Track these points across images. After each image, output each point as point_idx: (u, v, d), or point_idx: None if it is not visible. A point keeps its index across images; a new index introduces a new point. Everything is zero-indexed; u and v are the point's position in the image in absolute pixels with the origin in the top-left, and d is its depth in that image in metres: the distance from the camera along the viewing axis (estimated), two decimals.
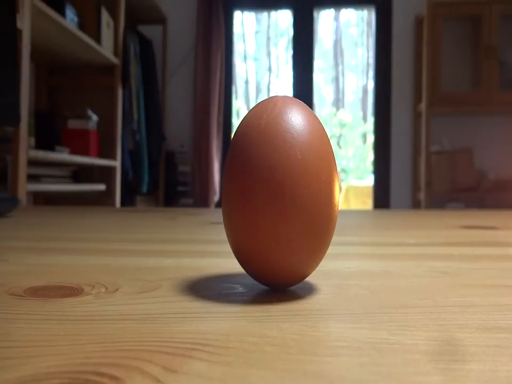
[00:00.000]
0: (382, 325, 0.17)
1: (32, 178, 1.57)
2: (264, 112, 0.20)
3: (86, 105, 2.09)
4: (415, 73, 2.60)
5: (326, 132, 0.21)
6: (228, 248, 0.35)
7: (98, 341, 0.15)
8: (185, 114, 2.69)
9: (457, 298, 0.20)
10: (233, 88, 2.85)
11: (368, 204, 4.93)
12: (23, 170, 1.29)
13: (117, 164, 2.07)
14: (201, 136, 2.56)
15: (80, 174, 1.98)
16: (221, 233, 0.44)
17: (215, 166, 2.58)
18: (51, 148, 1.60)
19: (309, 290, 0.22)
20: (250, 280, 0.24)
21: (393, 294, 0.21)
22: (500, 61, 2.39)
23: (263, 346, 0.14)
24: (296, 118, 0.20)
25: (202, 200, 2.55)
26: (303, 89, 2.72)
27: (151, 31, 2.59)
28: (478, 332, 0.16)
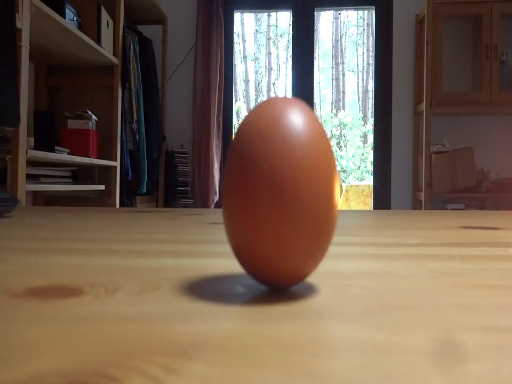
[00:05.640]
0: (382, 325, 0.16)
1: (31, 178, 1.57)
2: (265, 112, 0.20)
3: (86, 105, 2.09)
4: (415, 73, 2.60)
5: (326, 132, 0.21)
6: (227, 248, 0.35)
7: (97, 341, 0.15)
8: (185, 114, 2.69)
9: (458, 299, 0.20)
10: (233, 88, 2.85)
11: (368, 204, 4.93)
12: (22, 170, 1.29)
13: (116, 164, 2.06)
14: (201, 136, 2.56)
15: (79, 174, 1.98)
16: (221, 234, 0.44)
17: (215, 166, 2.58)
18: (50, 148, 1.60)
19: (309, 290, 0.22)
20: (250, 280, 0.24)
21: (393, 294, 0.21)
22: (501, 61, 2.39)
23: (263, 346, 0.14)
24: (296, 118, 0.20)
25: (202, 200, 2.55)
26: (303, 89, 2.72)
27: (151, 31, 2.59)
28: (478, 332, 0.16)
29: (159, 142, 2.43)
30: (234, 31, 2.80)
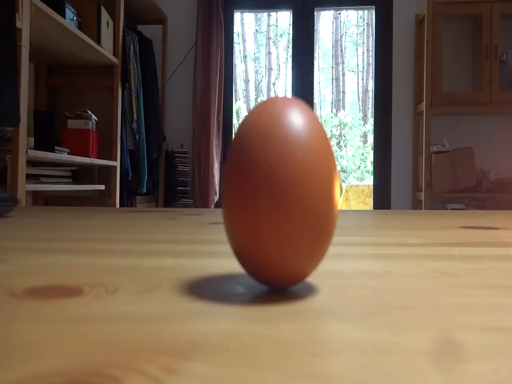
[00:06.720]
0: (382, 325, 0.16)
1: (31, 178, 1.57)
2: (265, 112, 0.20)
3: (86, 105, 2.09)
4: (415, 73, 2.60)
5: (326, 132, 0.21)
6: (228, 248, 0.35)
7: (98, 341, 0.15)
8: (185, 114, 2.69)
9: (458, 299, 0.20)
10: (233, 88, 2.85)
11: (368, 204, 4.93)
12: (22, 170, 1.29)
13: (116, 164, 2.06)
14: (201, 136, 2.56)
15: (79, 174, 1.98)
16: (221, 233, 0.44)
17: (215, 166, 2.58)
18: (50, 148, 1.60)
19: (309, 290, 0.22)
20: (250, 280, 0.24)
21: (393, 294, 0.21)
22: (501, 61, 2.39)
23: (263, 346, 0.14)
24: (296, 118, 0.20)
25: (202, 200, 2.55)
26: (303, 89, 2.71)
27: (151, 31, 2.59)
28: (478, 332, 0.16)
29: (159, 142, 2.43)
30: (234, 31, 2.80)
